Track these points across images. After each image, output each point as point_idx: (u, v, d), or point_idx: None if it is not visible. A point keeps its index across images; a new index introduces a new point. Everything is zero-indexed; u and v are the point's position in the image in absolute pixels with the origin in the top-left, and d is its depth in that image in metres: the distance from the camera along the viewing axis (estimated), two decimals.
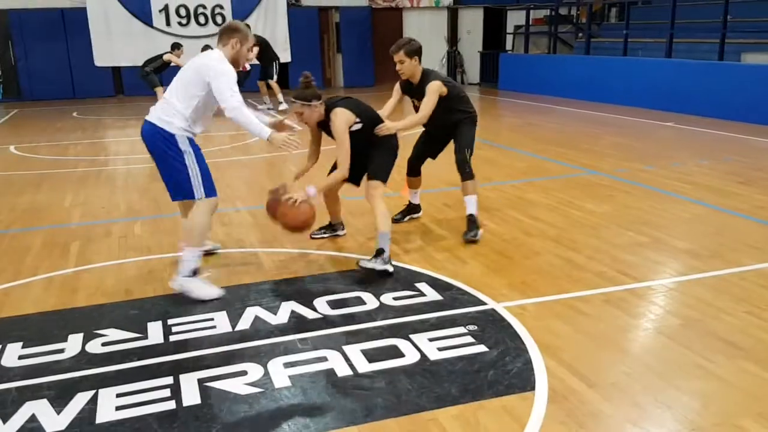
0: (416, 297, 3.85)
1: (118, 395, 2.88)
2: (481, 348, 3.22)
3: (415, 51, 4.71)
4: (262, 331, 3.47)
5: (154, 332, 3.48)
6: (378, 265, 4.12)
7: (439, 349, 3.22)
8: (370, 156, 4.49)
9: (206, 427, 2.64)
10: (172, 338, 3.41)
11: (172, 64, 12.62)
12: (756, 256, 4.40)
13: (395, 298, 3.83)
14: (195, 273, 3.92)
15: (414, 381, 2.95)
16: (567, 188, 6.42)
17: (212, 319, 3.61)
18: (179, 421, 2.68)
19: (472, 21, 19.47)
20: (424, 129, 5.22)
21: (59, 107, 14.93)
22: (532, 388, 2.86)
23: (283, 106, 13.03)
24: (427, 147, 5.29)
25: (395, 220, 5.23)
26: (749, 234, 4.90)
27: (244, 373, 3.03)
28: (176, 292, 3.93)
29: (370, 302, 3.79)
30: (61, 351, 3.30)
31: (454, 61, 19.47)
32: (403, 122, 4.73)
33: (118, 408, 2.78)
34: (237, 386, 2.92)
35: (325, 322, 3.56)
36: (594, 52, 14.80)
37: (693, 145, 8.79)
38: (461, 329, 3.43)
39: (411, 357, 3.15)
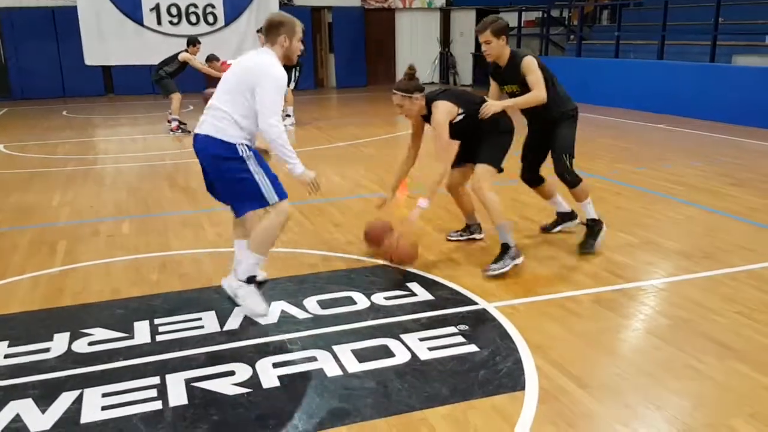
0: (407, 297, 3.83)
1: (104, 395, 2.84)
2: (472, 348, 3.20)
3: (501, 30, 4.25)
4: (251, 330, 3.43)
5: (141, 332, 3.44)
6: (509, 265, 4.02)
7: (430, 349, 3.19)
8: (480, 143, 4.25)
9: (192, 427, 2.61)
10: (159, 338, 3.37)
11: (191, 65, 10.82)
12: (747, 257, 4.40)
13: (386, 298, 3.80)
14: (251, 281, 3.62)
15: (404, 381, 2.92)
16: (559, 189, 6.40)
17: (200, 319, 3.57)
18: (165, 422, 2.65)
19: (465, 22, 19.48)
20: (527, 130, 4.68)
21: (49, 106, 14.83)
22: (522, 388, 2.84)
23: (290, 120, 11.08)
24: (534, 153, 4.71)
25: (544, 229, 4.95)
26: (741, 235, 4.90)
27: (232, 373, 3.00)
28: (227, 293, 3.71)
29: (361, 302, 3.76)
30: (47, 350, 3.26)
31: (446, 62, 19.48)
32: (512, 101, 4.27)
33: (103, 408, 2.75)
34: (225, 386, 2.88)
35: (315, 321, 3.53)
36: (586, 54, 14.82)
37: (685, 146, 8.81)
38: (452, 329, 3.40)
39: (401, 357, 3.13)
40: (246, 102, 3.46)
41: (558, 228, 4.91)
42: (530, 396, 2.78)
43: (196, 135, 3.58)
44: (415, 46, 19.13)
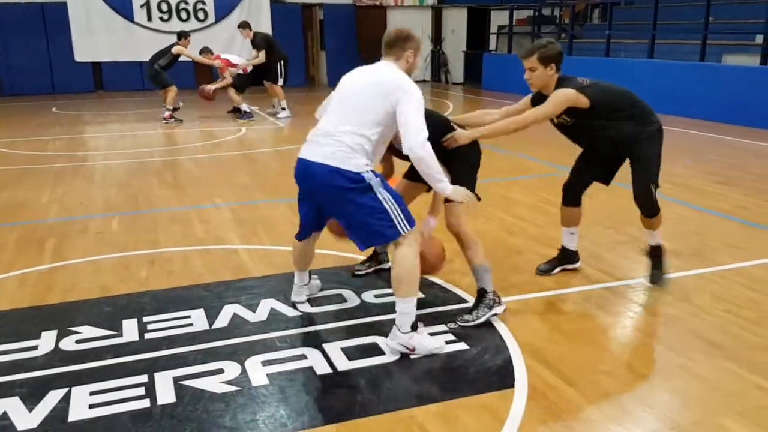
0: None
1: (92, 393, 2.82)
2: (462, 345, 3.20)
3: (551, 57, 3.60)
4: (240, 328, 3.41)
5: (129, 330, 3.42)
6: (486, 313, 3.44)
7: None
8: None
9: (181, 426, 2.59)
10: (148, 336, 3.35)
11: (182, 57, 11.33)
12: (736, 256, 4.42)
13: (376, 296, 3.80)
14: (415, 327, 3.13)
15: (394, 379, 2.91)
16: (550, 187, 6.41)
17: (189, 317, 3.55)
18: (153, 420, 2.63)
19: (456, 20, 19.47)
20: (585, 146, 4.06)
21: (38, 102, 14.72)
22: (512, 386, 2.84)
23: (285, 113, 11.83)
24: (590, 167, 4.04)
25: (542, 272, 4.15)
26: (730, 234, 4.93)
27: (220, 371, 2.98)
28: (397, 353, 3.13)
29: (351, 300, 3.75)
30: (35, 348, 3.23)
31: (438, 60, 19.46)
32: (485, 128, 3.66)
33: (91, 406, 2.72)
34: (213, 385, 2.87)
35: (305, 319, 3.52)
36: (577, 52, 14.84)
37: (674, 145, 8.82)
38: (442, 327, 3.40)
39: (392, 355, 3.12)
40: (379, 126, 3.07)
41: (557, 270, 4.17)
42: (520, 394, 2.78)
43: (308, 162, 3.10)
44: None
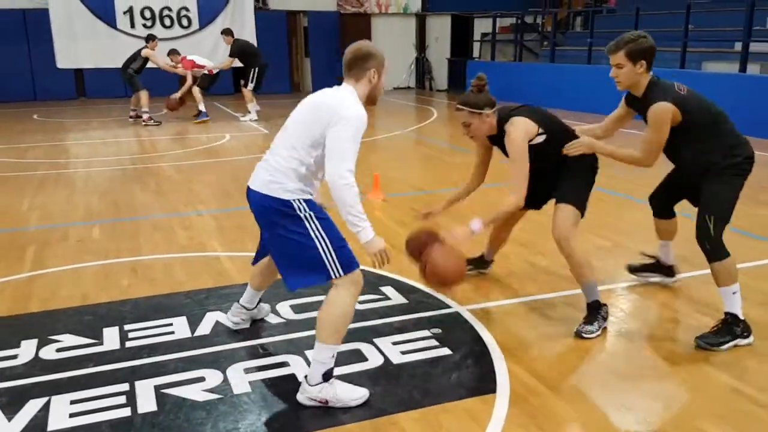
0: (381, 300, 3.82)
1: (72, 402, 2.80)
2: (445, 351, 3.21)
3: (642, 52, 3.25)
4: (223, 336, 3.40)
5: (110, 338, 3.39)
6: (598, 329, 3.37)
7: (403, 353, 3.19)
8: (559, 177, 3.51)
9: None
10: (129, 344, 3.33)
11: (150, 62, 11.90)
12: None
13: (360, 302, 3.78)
14: (328, 376, 2.79)
15: (377, 385, 2.91)
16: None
17: (171, 325, 3.53)
18: (134, 429, 2.62)
19: (440, 28, 19.57)
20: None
21: (20, 109, 14.59)
22: (494, 391, 2.85)
23: (253, 116, 12.41)
24: (678, 188, 3.71)
25: (633, 270, 4.09)
26: None
27: (202, 379, 2.97)
28: (302, 401, 2.81)
29: None
30: (14, 357, 3.20)
31: (422, 67, 19.53)
32: (610, 148, 3.41)
33: (71, 415, 2.70)
34: (195, 393, 2.85)
35: (288, 326, 3.51)
36: (559, 60, 14.97)
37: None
38: (425, 332, 3.40)
39: (374, 361, 3.12)
40: (312, 145, 2.79)
41: (645, 277, 4.05)
42: (501, 398, 2.79)
43: (248, 189, 2.94)
44: (392, 51, 19.09)
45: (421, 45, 19.61)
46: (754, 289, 3.93)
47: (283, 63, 18.04)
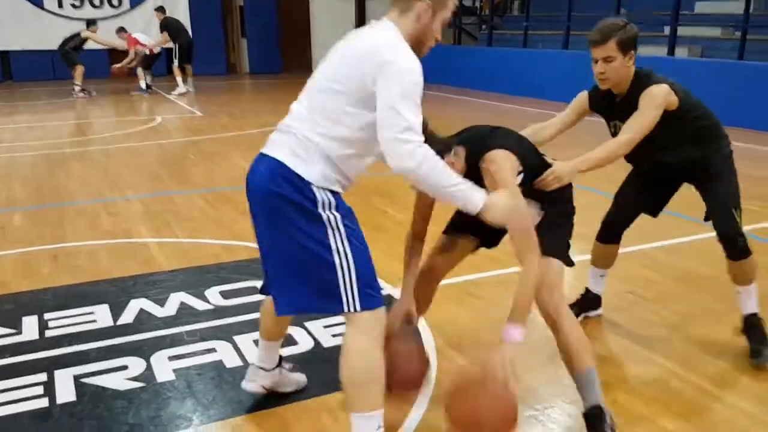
0: None
1: None
2: None
3: (631, 41, 2.76)
4: (147, 324, 3.31)
5: (29, 327, 3.27)
6: None
7: (333, 336, 3.17)
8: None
9: (80, 424, 2.50)
10: (48, 333, 3.21)
11: (95, 46, 13.08)
12: (639, 238, 4.58)
13: None
14: None
15: (308, 368, 2.88)
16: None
17: (92, 313, 3.42)
18: (53, 419, 2.53)
19: (380, 12, 19.39)
20: (632, 168, 3.23)
21: None
22: None
23: (180, 89, 13.20)
24: (641, 196, 3.22)
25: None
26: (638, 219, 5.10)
27: (124, 367, 2.89)
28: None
29: None
30: None
31: None
32: (587, 160, 2.76)
33: None
34: (116, 381, 2.78)
35: (217, 312, 3.45)
36: (497, 43, 15.11)
37: (592, 135, 9.07)
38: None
39: (305, 344, 3.10)
40: (352, 112, 2.02)
41: (580, 318, 3.36)
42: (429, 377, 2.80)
43: (257, 159, 2.17)
44: (331, 33, 18.86)
45: (361, 26, 19.45)
46: (674, 265, 4.07)
47: (217, 43, 17.68)
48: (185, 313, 3.43)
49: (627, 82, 2.84)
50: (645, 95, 2.76)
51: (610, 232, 3.31)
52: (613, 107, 2.94)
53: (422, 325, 3.28)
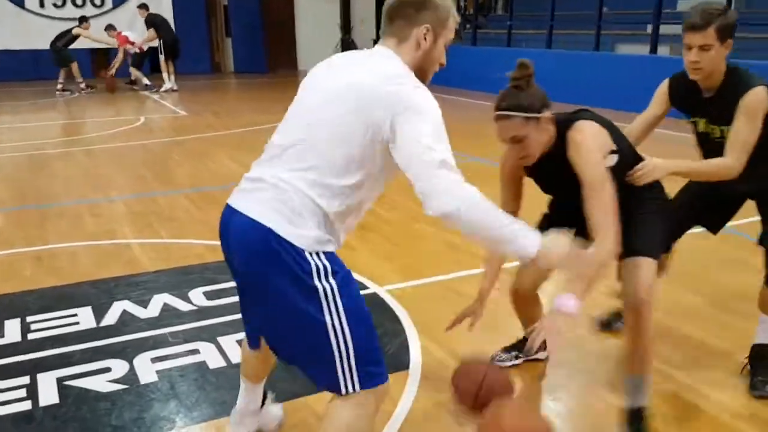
0: None
1: None
2: None
3: (731, 29, 2.47)
4: (130, 326, 3.29)
5: (12, 330, 3.24)
6: None
7: None
8: (629, 215, 2.34)
9: (63, 426, 2.48)
10: (31, 336, 3.18)
11: (85, 44, 13.54)
12: None
13: None
14: None
15: (290, 367, 2.86)
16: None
17: (75, 315, 3.40)
18: (35, 422, 2.52)
19: (366, 9, 19.46)
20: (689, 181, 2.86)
21: None
22: (407, 367, 2.87)
23: (166, 86, 13.27)
24: (699, 206, 2.86)
25: (605, 326, 3.20)
26: None
27: (107, 369, 2.87)
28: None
29: None
30: None
31: (348, 49, 19.34)
32: (689, 165, 2.55)
33: None
34: (99, 384, 2.76)
35: (201, 313, 3.43)
36: (481, 43, 15.15)
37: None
38: None
39: None
40: (357, 160, 1.77)
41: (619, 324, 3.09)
42: (414, 374, 2.82)
43: (231, 211, 1.85)
44: (316, 31, 18.92)
45: (345, 26, 19.47)
46: None
47: (202, 42, 17.60)
48: (168, 315, 3.41)
49: (720, 75, 2.54)
50: (747, 102, 2.44)
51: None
52: (700, 102, 2.63)
53: (408, 324, 3.29)
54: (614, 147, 2.31)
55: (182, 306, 3.51)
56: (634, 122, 2.86)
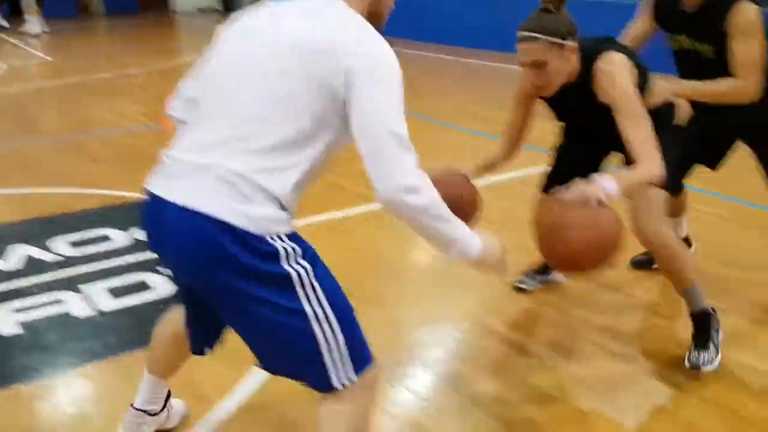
0: None
1: None
2: None
3: None
4: None
5: None
6: (717, 354, 2.38)
7: None
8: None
9: None
10: None
11: None
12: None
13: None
14: None
15: (162, 312, 2.78)
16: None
17: None
18: None
19: None
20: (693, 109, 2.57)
21: None
22: None
23: (34, 28, 12.33)
24: (698, 142, 2.65)
25: (639, 264, 3.12)
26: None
27: None
28: None
29: (118, 239, 3.51)
30: None
31: None
32: (695, 86, 2.44)
33: None
34: None
35: (65, 263, 3.24)
36: None
37: (472, 79, 9.04)
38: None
39: (162, 290, 2.98)
40: (307, 131, 1.48)
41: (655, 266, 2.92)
42: None
43: (161, 203, 1.48)
44: None
45: None
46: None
47: None
48: (31, 266, 3.21)
49: None
50: (738, 19, 2.31)
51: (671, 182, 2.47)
52: (681, 17, 2.47)
53: None
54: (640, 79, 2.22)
55: (45, 256, 3.31)
56: (623, 40, 2.61)
